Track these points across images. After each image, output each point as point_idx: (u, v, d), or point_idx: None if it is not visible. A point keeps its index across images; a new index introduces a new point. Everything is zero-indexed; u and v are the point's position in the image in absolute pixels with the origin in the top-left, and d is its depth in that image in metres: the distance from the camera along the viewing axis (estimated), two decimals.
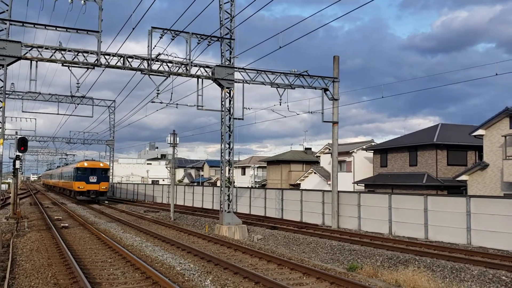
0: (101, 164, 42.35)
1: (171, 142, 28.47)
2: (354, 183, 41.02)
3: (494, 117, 27.09)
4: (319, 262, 15.47)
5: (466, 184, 29.13)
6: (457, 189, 31.25)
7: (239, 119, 22.05)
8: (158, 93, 21.23)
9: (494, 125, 27.35)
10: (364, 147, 42.78)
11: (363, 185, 39.84)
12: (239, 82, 21.81)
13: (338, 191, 24.02)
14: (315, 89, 23.38)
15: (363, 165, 42.77)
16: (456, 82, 70.85)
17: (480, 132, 28.28)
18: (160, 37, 19.55)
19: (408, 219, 20.65)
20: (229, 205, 21.80)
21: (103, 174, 41.28)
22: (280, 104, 22.29)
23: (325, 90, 23.44)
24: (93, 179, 40.24)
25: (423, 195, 20.67)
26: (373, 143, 43.66)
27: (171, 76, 20.82)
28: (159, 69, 20.27)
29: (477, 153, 33.96)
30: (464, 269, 13.27)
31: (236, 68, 21.76)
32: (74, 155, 72.13)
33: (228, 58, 21.66)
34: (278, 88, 22.39)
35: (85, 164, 41.28)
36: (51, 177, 74.20)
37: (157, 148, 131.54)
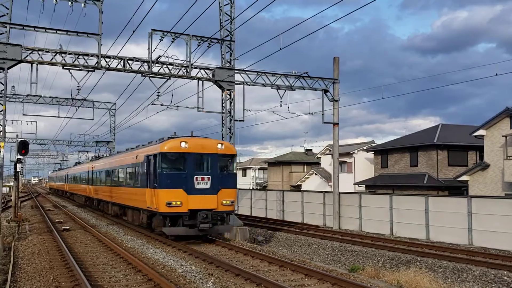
0: (219, 146, 17.06)
1: None
2: (355, 184, 41.01)
3: (494, 117, 27.09)
4: (320, 263, 15.48)
5: (467, 185, 29.12)
6: (458, 189, 31.23)
7: (239, 120, 22.07)
8: (158, 95, 21.25)
9: (494, 125, 27.34)
10: (365, 148, 42.79)
11: (364, 186, 39.84)
12: (239, 84, 21.83)
13: (339, 192, 24.03)
14: (316, 90, 23.40)
15: (363, 166, 42.77)
16: (457, 83, 71.03)
17: (480, 132, 28.28)
18: (160, 40, 19.59)
19: (409, 219, 20.65)
20: None
21: (224, 169, 17.17)
22: (281, 106, 22.35)
23: (326, 91, 23.46)
24: (202, 181, 16.32)
25: (424, 196, 20.68)
26: (373, 144, 43.68)
27: (171, 78, 20.85)
28: (160, 71, 20.30)
29: (478, 153, 33.95)
30: (466, 269, 13.27)
31: (236, 70, 21.78)
32: (103, 144, 43.16)
33: (229, 60, 21.68)
34: (278, 90, 22.41)
35: (182, 145, 16.29)
36: (66, 179, 49.05)
37: None
